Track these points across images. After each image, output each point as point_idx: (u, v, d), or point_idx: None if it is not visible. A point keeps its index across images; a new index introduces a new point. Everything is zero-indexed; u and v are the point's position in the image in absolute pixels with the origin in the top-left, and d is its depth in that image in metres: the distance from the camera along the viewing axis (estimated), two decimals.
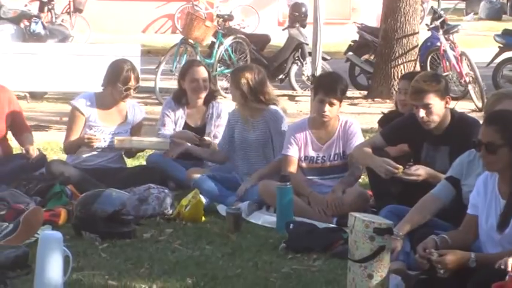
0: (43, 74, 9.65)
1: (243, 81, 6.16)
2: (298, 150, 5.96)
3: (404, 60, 11.75)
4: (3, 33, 11.73)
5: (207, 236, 5.33)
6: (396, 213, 4.74)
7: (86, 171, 6.32)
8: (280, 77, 12.63)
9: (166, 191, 5.89)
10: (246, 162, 6.29)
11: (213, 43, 12.24)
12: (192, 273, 4.60)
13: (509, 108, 4.45)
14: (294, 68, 12.49)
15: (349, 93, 7.77)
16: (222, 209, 5.86)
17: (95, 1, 20.65)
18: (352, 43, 12.82)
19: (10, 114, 6.42)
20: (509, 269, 3.77)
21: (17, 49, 9.93)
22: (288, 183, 5.50)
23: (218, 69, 11.90)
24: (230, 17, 13.12)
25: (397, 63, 11.76)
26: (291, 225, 5.24)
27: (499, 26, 18.70)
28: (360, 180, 6.21)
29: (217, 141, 6.61)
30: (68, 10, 18.28)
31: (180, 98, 6.77)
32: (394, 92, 10.40)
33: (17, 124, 6.49)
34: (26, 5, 14.29)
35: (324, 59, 10.24)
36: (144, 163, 6.88)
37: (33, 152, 6.21)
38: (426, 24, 12.42)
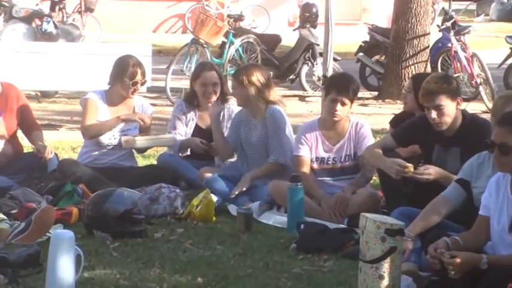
0: (54, 73, 9.69)
1: (253, 79, 6.15)
2: (309, 151, 5.96)
3: (415, 61, 11.75)
4: (15, 32, 11.78)
5: (218, 235, 5.34)
6: (407, 214, 4.74)
7: (97, 170, 6.34)
8: (291, 77, 12.64)
9: (177, 190, 5.90)
10: (251, 161, 6.28)
11: (223, 43, 12.26)
12: (203, 273, 4.60)
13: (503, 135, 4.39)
14: (305, 69, 12.50)
15: (359, 94, 7.75)
16: (233, 208, 5.87)
17: (106, 0, 20.69)
18: (363, 44, 12.82)
19: (20, 111, 6.44)
20: None
21: (28, 48, 9.96)
22: (299, 184, 5.50)
23: (229, 69, 11.91)
24: (241, 17, 13.13)
25: (408, 64, 11.76)
26: (302, 226, 5.24)
27: (510, 27, 18.71)
28: (371, 181, 6.21)
29: None
30: (79, 9, 18.32)
31: (191, 100, 6.77)
32: (404, 92, 10.38)
33: (27, 121, 6.51)
34: (37, 4, 14.32)
35: (334, 59, 10.23)
36: (155, 162, 6.89)
37: (45, 151, 6.22)
38: (437, 25, 12.41)
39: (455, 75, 10.97)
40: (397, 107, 10.61)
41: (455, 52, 11.57)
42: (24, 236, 4.86)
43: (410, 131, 5.47)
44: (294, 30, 13.28)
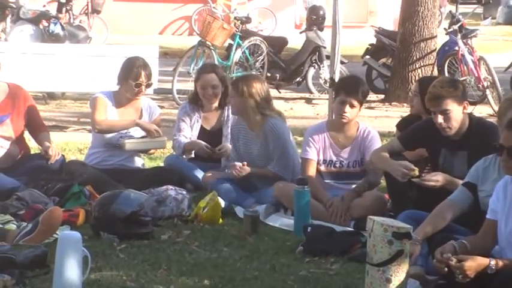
0: (61, 75, 9.69)
1: (253, 91, 6.06)
2: (316, 153, 5.95)
3: (422, 64, 11.73)
4: (22, 33, 11.79)
5: (225, 238, 5.33)
6: (414, 218, 4.73)
7: (104, 171, 6.34)
8: (297, 80, 12.64)
9: (184, 192, 5.90)
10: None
11: (230, 45, 12.26)
12: (209, 275, 4.61)
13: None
14: (311, 71, 12.50)
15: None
16: (239, 211, 5.87)
17: (113, 2, 20.73)
18: (370, 47, 12.82)
19: (27, 112, 6.45)
20: None
21: (35, 49, 9.96)
22: (305, 186, 5.50)
23: (235, 71, 11.92)
24: (248, 20, 13.13)
25: (414, 67, 11.75)
26: (309, 228, 5.24)
27: None
28: None
29: None
30: (86, 11, 18.34)
31: (196, 100, 6.77)
32: (411, 95, 10.38)
33: (34, 123, 6.52)
34: (44, 6, 14.34)
35: (341, 62, 10.24)
36: (162, 164, 6.89)
37: (52, 153, 6.24)
38: (444, 28, 12.39)
39: (462, 79, 10.96)
40: (404, 110, 10.60)
41: (462, 55, 11.55)
42: (32, 237, 4.87)
43: (417, 135, 5.46)
44: (300, 32, 13.29)
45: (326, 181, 5.97)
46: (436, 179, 5.14)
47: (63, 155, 6.53)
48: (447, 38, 12.29)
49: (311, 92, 12.45)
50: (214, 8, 14.41)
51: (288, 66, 12.53)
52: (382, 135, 7.95)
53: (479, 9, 24.80)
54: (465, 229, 4.58)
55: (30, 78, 9.13)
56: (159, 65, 9.70)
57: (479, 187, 4.63)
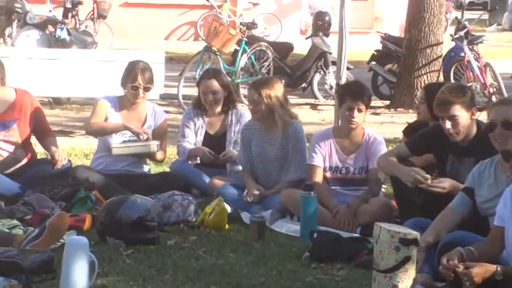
0: (67, 80, 9.71)
1: (277, 93, 6.11)
2: (323, 160, 5.95)
3: (427, 71, 11.72)
4: (29, 38, 11.81)
5: (231, 244, 5.33)
6: (419, 225, 4.73)
7: (111, 177, 6.35)
8: (303, 85, 12.64)
9: (190, 198, 5.90)
10: (266, 176, 6.26)
11: (236, 51, 12.27)
12: (216, 281, 4.60)
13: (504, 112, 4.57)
14: (317, 77, 12.49)
15: (371, 103, 7.77)
16: (246, 216, 5.86)
17: (118, 7, 20.77)
18: (376, 53, 12.82)
19: (33, 118, 6.46)
20: None
21: (42, 55, 9.97)
22: (312, 192, 5.50)
23: (241, 77, 11.93)
24: (253, 25, 13.14)
25: (420, 73, 11.73)
26: (315, 234, 5.23)
27: None
28: (384, 190, 6.20)
29: (237, 146, 6.60)
30: (92, 16, 18.39)
31: (199, 105, 6.78)
32: (417, 102, 10.37)
33: (41, 128, 6.53)
34: (50, 11, 14.39)
35: (347, 68, 10.24)
36: (168, 170, 6.90)
37: (59, 158, 6.26)
38: (450, 35, 12.39)
39: (467, 85, 10.95)
40: (410, 116, 10.60)
41: (468, 62, 11.55)
42: (38, 242, 4.86)
43: (425, 141, 5.46)
44: (306, 38, 13.29)
45: (332, 187, 5.96)
46: (443, 185, 5.14)
47: (69, 160, 6.55)
48: (453, 44, 12.29)
49: (316, 98, 12.45)
50: (219, 13, 14.43)
51: (293, 72, 12.53)
52: (388, 141, 7.95)
53: (485, 16, 24.83)
54: (476, 235, 4.57)
55: (36, 83, 9.13)
56: (164, 70, 9.71)
57: (476, 192, 4.64)
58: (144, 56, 8.73)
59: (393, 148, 6.05)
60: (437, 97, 5.29)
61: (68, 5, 15.36)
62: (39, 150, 6.76)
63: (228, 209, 5.83)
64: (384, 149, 5.96)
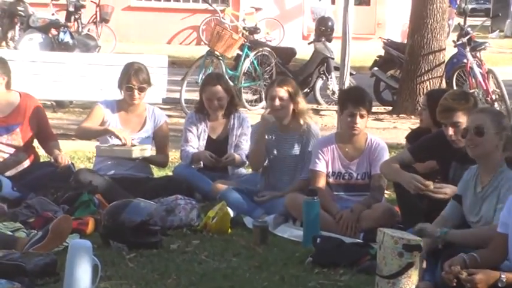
0: (70, 83, 9.72)
1: (300, 93, 6.24)
2: (325, 166, 5.95)
3: (430, 77, 11.73)
4: (32, 41, 11.84)
5: (234, 248, 5.33)
6: None
7: (114, 180, 6.35)
8: (305, 90, 12.61)
9: (193, 202, 5.90)
10: (280, 175, 6.26)
11: (238, 55, 12.28)
12: (219, 285, 4.61)
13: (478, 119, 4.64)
14: (319, 82, 12.50)
15: (374, 109, 7.78)
16: (248, 221, 5.86)
17: (121, 11, 20.81)
18: (378, 58, 12.82)
19: (37, 122, 6.48)
20: None
21: (45, 58, 10.00)
22: (315, 197, 5.50)
23: (243, 81, 11.93)
24: (256, 30, 13.16)
25: (423, 80, 11.74)
26: (318, 240, 5.23)
27: None
28: (387, 196, 6.20)
29: (239, 150, 6.62)
30: (94, 20, 18.41)
31: (202, 110, 6.79)
32: (420, 108, 10.38)
33: (44, 132, 6.55)
34: (53, 14, 14.40)
35: (349, 73, 10.26)
36: (171, 174, 6.90)
37: (62, 160, 6.26)
38: (453, 41, 12.39)
39: (470, 91, 10.95)
40: (412, 122, 10.60)
41: (471, 68, 11.55)
42: (41, 245, 4.86)
43: (428, 147, 5.46)
44: (309, 43, 13.30)
45: (335, 193, 5.96)
46: (445, 191, 5.14)
47: (72, 163, 6.56)
48: (455, 50, 12.29)
49: (319, 103, 12.45)
50: (222, 18, 14.42)
51: (296, 77, 12.48)
52: (390, 147, 7.94)
53: (488, 22, 24.86)
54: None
55: (38, 86, 9.15)
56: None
57: (462, 199, 4.66)
58: (147, 60, 8.72)
59: (396, 154, 6.05)
60: (440, 103, 5.29)
61: (71, 9, 15.39)
62: (42, 154, 6.76)
63: (231, 213, 5.83)
64: (386, 155, 5.96)
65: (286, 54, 12.99)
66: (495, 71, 11.63)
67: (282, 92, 6.17)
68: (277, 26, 21.41)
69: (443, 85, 11.74)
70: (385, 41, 12.97)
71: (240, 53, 12.17)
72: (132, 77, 6.47)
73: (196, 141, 6.73)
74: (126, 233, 5.15)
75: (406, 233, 4.46)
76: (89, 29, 17.22)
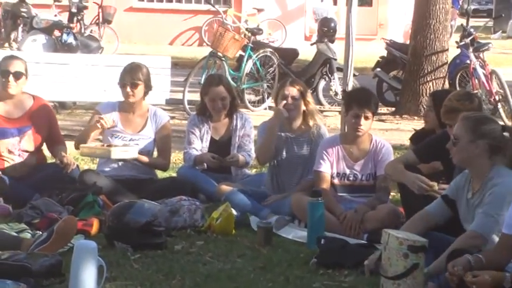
0: (73, 84, 9.73)
1: (310, 94, 6.27)
2: (330, 167, 5.95)
3: (433, 77, 11.72)
4: (35, 43, 11.82)
5: (238, 249, 5.33)
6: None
7: (118, 181, 6.36)
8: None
9: (197, 203, 5.91)
10: (288, 175, 6.26)
11: (241, 56, 12.28)
12: (223, 286, 4.61)
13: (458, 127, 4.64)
14: (322, 83, 12.50)
15: None
16: (253, 221, 5.85)
17: (123, 12, 20.82)
18: (380, 59, 12.82)
19: (47, 125, 6.51)
20: None
21: (48, 59, 10.00)
22: (319, 199, 5.50)
23: (246, 82, 11.94)
24: (259, 31, 13.16)
25: (425, 80, 11.73)
26: (323, 241, 5.23)
27: None
28: (391, 197, 6.20)
29: (242, 151, 6.63)
30: (97, 21, 18.42)
31: (204, 111, 6.80)
32: (423, 109, 10.39)
33: (53, 136, 6.59)
34: (55, 15, 14.41)
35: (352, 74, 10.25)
36: (174, 175, 6.90)
37: (68, 161, 6.27)
38: (456, 42, 12.39)
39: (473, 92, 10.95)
40: (415, 123, 10.60)
41: (474, 69, 11.54)
42: (46, 246, 4.87)
43: (433, 148, 5.46)
44: (311, 44, 13.30)
45: (340, 194, 5.96)
46: None
47: (77, 165, 6.56)
48: (458, 51, 12.29)
49: (321, 104, 12.44)
50: (224, 19, 14.46)
51: (298, 78, 12.49)
52: (394, 148, 7.92)
53: (490, 23, 24.85)
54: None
55: (42, 87, 9.14)
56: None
57: (457, 204, 4.65)
58: (150, 61, 8.75)
59: (401, 155, 6.05)
60: (444, 104, 5.29)
61: (73, 10, 15.39)
62: (48, 154, 6.77)
63: (235, 214, 5.83)
64: (391, 156, 5.96)
65: (288, 55, 12.99)
66: (498, 71, 11.61)
67: (295, 91, 6.18)
68: (279, 27, 21.41)
69: (446, 86, 11.74)
70: (388, 41, 12.97)
71: (243, 54, 12.18)
72: (126, 74, 6.51)
73: (199, 143, 6.73)
74: (131, 234, 5.16)
75: (411, 234, 4.46)
76: (91, 30, 17.22)
